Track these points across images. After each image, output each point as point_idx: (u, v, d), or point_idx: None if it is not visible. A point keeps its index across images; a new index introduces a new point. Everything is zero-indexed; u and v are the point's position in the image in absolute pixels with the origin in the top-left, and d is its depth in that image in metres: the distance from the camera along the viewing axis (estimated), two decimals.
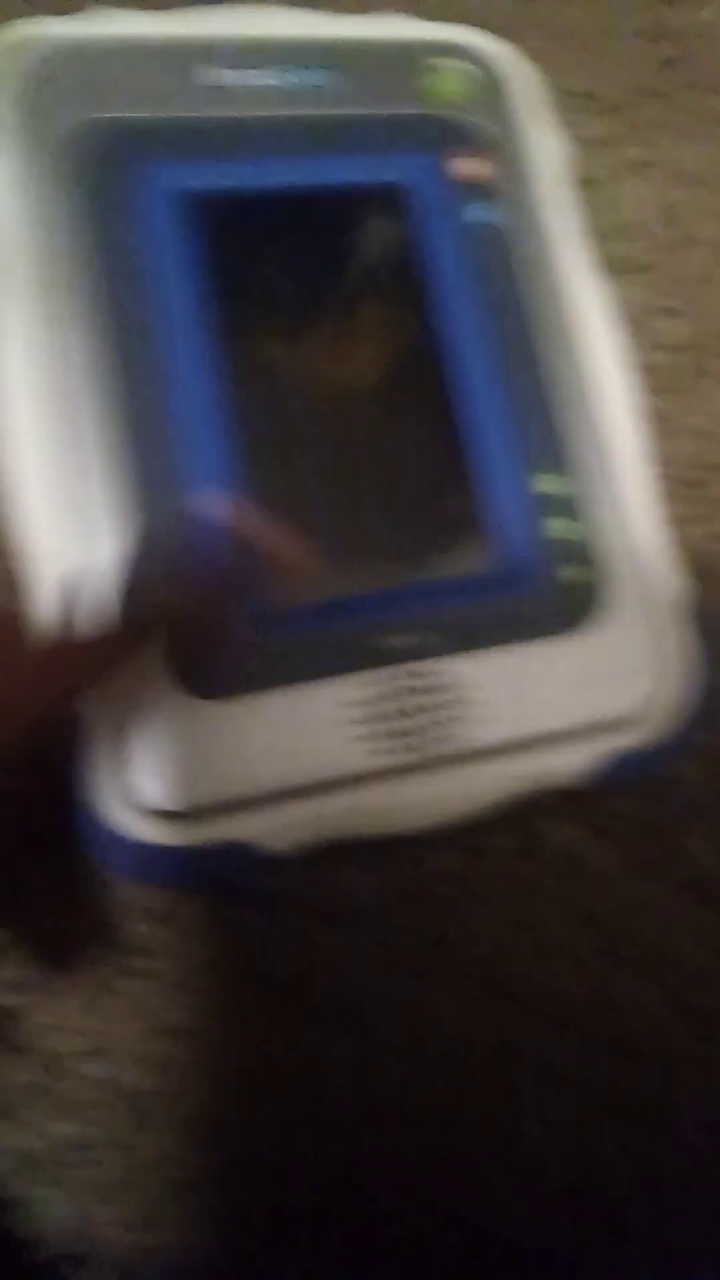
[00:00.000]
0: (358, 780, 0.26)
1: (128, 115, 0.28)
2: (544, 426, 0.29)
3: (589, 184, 0.34)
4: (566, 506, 0.29)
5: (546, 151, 0.31)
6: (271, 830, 0.25)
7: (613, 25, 0.37)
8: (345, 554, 0.27)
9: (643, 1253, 0.26)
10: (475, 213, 0.30)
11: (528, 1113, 0.27)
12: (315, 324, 0.29)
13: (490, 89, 0.31)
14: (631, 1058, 0.29)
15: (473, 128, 0.30)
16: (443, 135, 0.30)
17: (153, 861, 0.25)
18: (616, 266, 0.34)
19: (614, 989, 0.29)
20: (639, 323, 0.34)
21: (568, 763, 0.28)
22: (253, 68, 0.29)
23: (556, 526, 0.28)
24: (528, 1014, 0.28)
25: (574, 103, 0.34)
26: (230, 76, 0.29)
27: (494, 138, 0.31)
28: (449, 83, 0.30)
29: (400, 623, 0.27)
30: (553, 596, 0.28)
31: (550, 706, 0.27)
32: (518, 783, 0.27)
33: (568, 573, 0.28)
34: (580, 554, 0.28)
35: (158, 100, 0.28)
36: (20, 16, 0.28)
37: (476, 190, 0.30)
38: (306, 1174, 0.25)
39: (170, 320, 0.27)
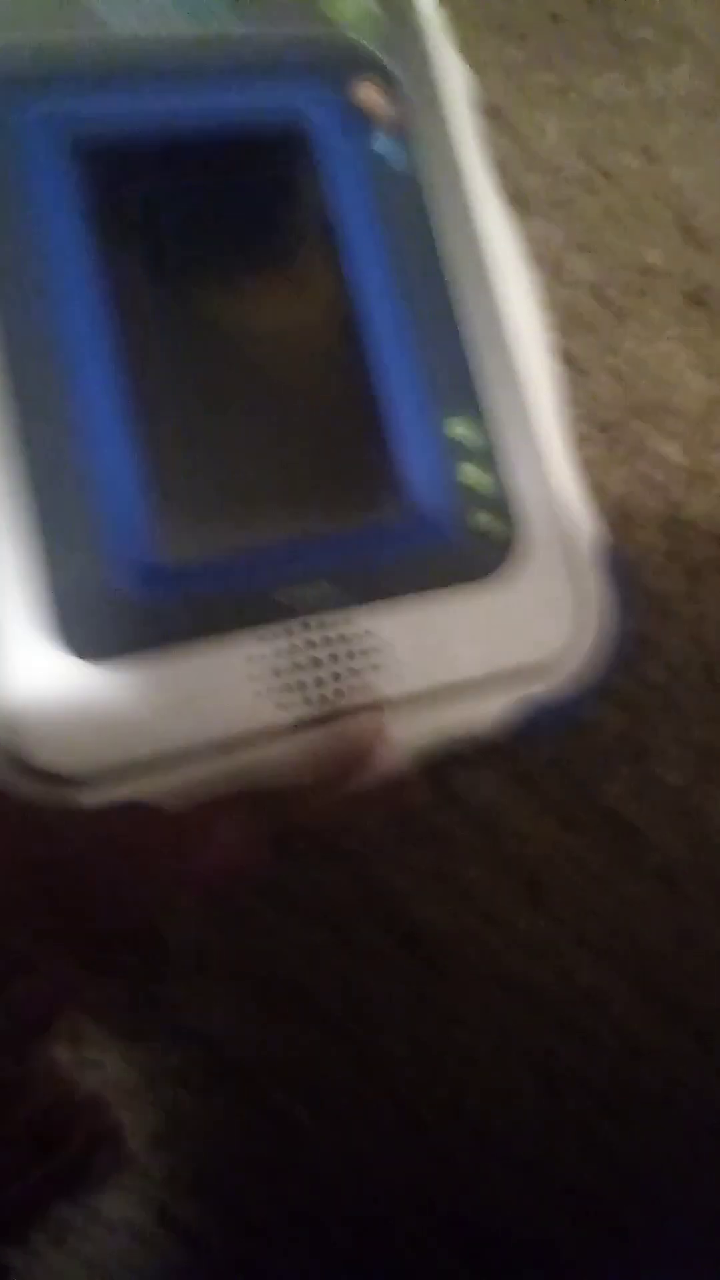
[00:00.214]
0: (265, 736, 0.25)
1: (10, 49, 0.26)
2: (456, 370, 0.28)
3: (497, 113, 0.33)
4: (480, 452, 0.28)
5: (453, 80, 0.30)
6: (175, 791, 0.24)
7: None
8: (248, 504, 0.26)
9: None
10: (381, 145, 0.29)
11: (439, 1057, 0.27)
12: (212, 267, 0.27)
13: (391, 12, 0.29)
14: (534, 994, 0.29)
15: (374, 54, 0.29)
16: (343, 60, 0.29)
17: None
18: (530, 202, 0.33)
19: (531, 934, 0.29)
20: (555, 261, 0.33)
21: (483, 713, 0.27)
22: None
23: (469, 473, 0.28)
24: (434, 962, 0.28)
25: (483, 31, 0.33)
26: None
27: (397, 64, 0.29)
28: (348, 4, 0.29)
29: (306, 574, 0.26)
30: (465, 545, 0.27)
31: (464, 657, 0.27)
32: (432, 735, 0.27)
33: (481, 520, 0.27)
34: (494, 501, 0.28)
35: (22, 22, 0.26)
36: None
37: (381, 121, 0.29)
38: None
39: (49, 272, 0.25)
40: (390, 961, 0.28)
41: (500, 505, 0.28)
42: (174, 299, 0.27)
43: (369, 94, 0.29)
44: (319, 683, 0.25)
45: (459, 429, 0.28)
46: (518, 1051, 0.28)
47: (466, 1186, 0.26)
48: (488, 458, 0.28)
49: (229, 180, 0.28)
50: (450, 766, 0.28)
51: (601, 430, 0.32)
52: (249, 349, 0.27)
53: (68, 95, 0.26)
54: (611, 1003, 0.28)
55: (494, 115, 0.33)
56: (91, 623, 0.24)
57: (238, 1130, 0.26)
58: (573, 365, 0.32)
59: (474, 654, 0.27)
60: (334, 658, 0.26)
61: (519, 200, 0.33)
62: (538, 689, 0.27)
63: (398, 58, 0.29)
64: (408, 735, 0.26)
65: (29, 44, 0.26)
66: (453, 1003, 0.28)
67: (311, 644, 0.26)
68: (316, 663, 0.25)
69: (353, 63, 0.29)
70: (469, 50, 0.32)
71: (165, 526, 0.25)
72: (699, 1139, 0.28)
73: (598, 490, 0.30)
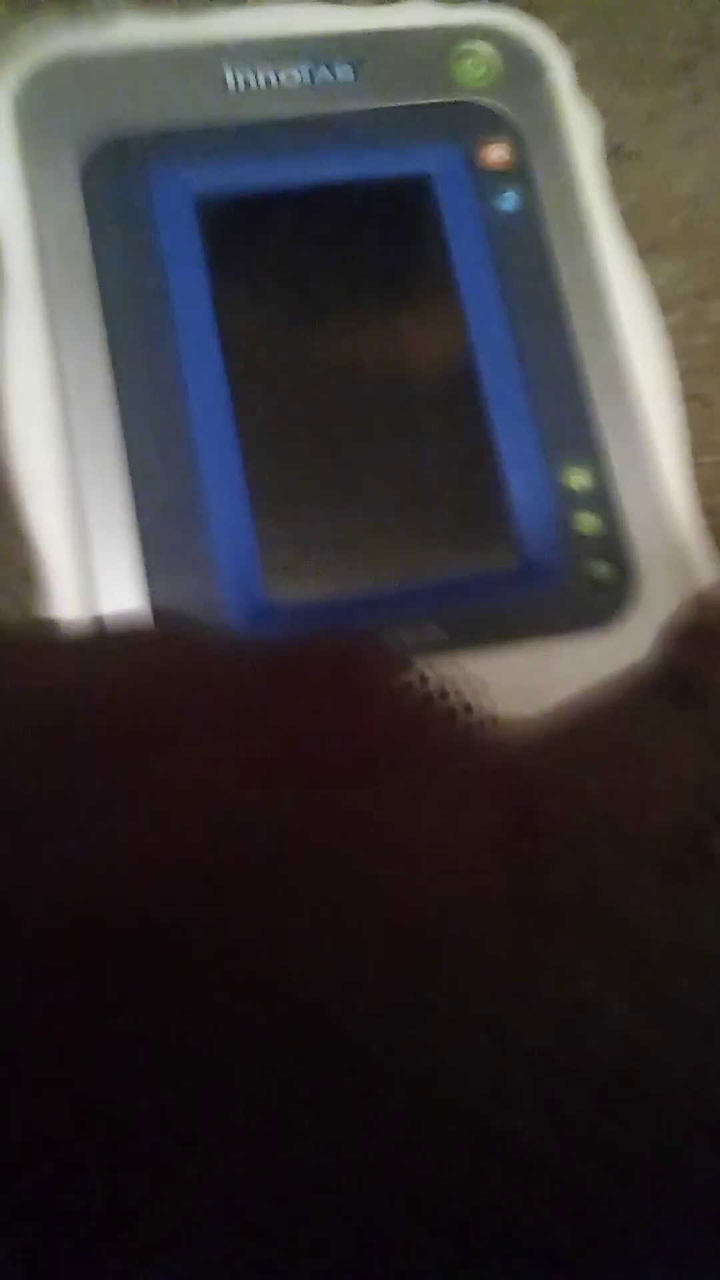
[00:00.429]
0: None
1: (145, 123, 0.28)
2: (574, 418, 0.28)
3: (635, 158, 0.33)
4: (596, 500, 0.28)
5: (581, 131, 0.30)
6: None
7: None
8: (358, 546, 0.27)
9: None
10: (506, 200, 0.29)
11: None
12: (331, 316, 0.29)
13: (519, 72, 0.30)
14: None
15: (502, 113, 0.30)
16: (471, 122, 0.30)
17: None
18: (663, 246, 0.32)
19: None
20: (688, 304, 0.32)
21: None
22: (276, 67, 0.29)
23: (584, 521, 0.28)
24: None
25: (614, 76, 0.33)
26: (252, 77, 0.29)
27: (524, 122, 0.30)
28: (475, 68, 0.30)
29: (415, 617, 0.27)
30: (578, 593, 0.27)
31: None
32: None
33: (595, 568, 0.27)
34: (609, 549, 0.27)
35: (176, 105, 0.29)
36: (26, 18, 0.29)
37: (507, 177, 0.29)
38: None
39: (172, 321, 0.27)
40: None
41: (616, 554, 0.27)
42: (290, 348, 0.28)
43: (495, 152, 0.29)
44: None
45: (575, 477, 0.28)
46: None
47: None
48: (604, 506, 0.28)
49: (351, 237, 0.29)
50: None
51: None
52: (363, 394, 0.28)
53: (197, 161, 0.28)
54: None
55: (631, 159, 0.33)
56: None
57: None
58: (710, 408, 0.31)
59: None
60: (443, 700, 0.26)
61: (658, 244, 0.33)
62: None
63: (526, 115, 0.30)
64: None
65: (183, 125, 0.29)
66: None
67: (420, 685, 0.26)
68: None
69: (480, 124, 0.30)
70: (605, 97, 0.33)
71: (275, 566, 0.27)
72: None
73: None
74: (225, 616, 0.26)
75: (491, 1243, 0.11)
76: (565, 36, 0.31)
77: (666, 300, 0.32)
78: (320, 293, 0.29)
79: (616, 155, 0.33)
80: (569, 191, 0.29)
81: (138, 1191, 0.10)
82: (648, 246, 0.32)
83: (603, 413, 0.28)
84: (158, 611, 0.25)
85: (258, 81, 0.29)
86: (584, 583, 0.27)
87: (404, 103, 0.29)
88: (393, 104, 0.29)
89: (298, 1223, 0.11)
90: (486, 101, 0.30)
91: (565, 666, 0.27)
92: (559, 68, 0.30)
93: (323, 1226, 0.11)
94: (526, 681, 0.26)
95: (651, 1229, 0.12)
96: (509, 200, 0.29)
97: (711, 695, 0.16)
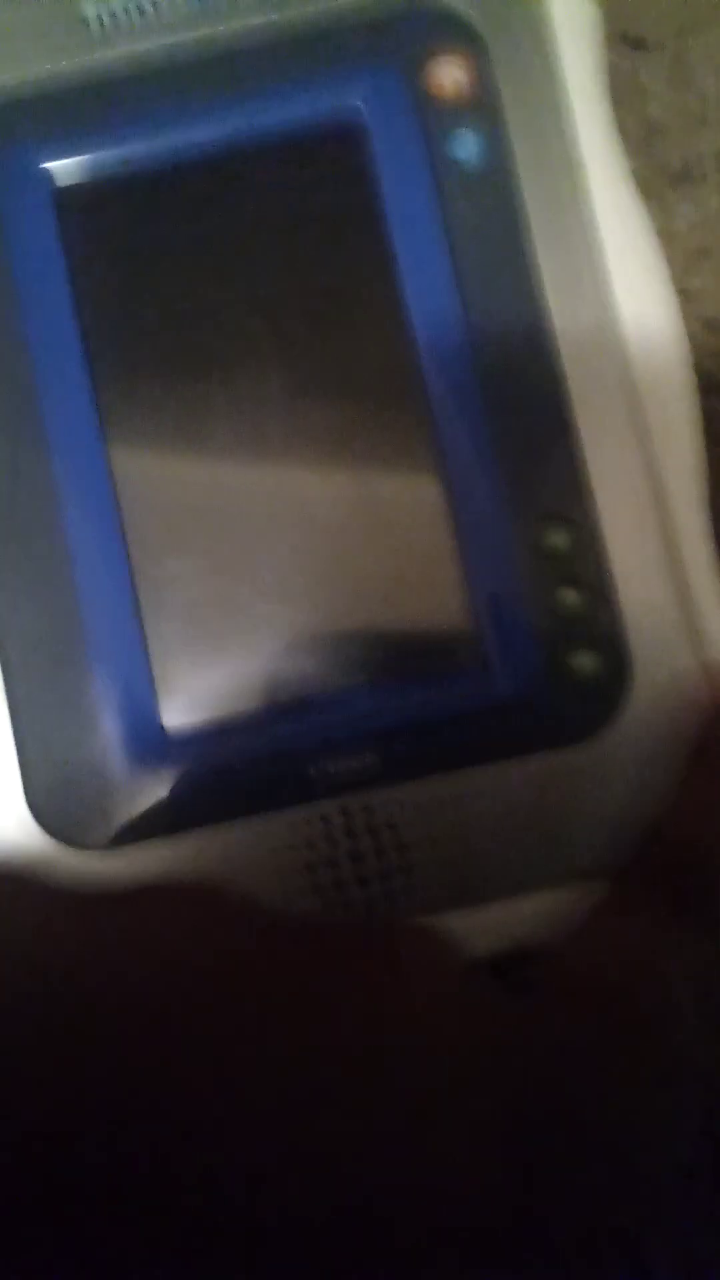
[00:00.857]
0: None
1: None
2: (556, 455, 0.21)
3: (651, 48, 0.24)
4: (584, 570, 0.21)
5: (574, 20, 0.21)
6: None
7: None
8: (271, 652, 0.21)
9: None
10: (461, 144, 0.21)
11: None
12: (242, 335, 0.22)
13: None
14: None
15: (459, 12, 0.21)
16: (415, 31, 0.21)
17: None
18: (705, 174, 0.24)
19: None
20: (715, 259, 0.24)
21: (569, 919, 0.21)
22: None
23: (568, 599, 0.21)
24: None
25: None
26: (118, 8, 0.21)
27: (490, 26, 0.21)
28: None
29: (346, 744, 0.21)
30: (561, 696, 0.21)
31: (557, 844, 0.21)
32: (511, 941, 0.21)
33: (582, 662, 0.21)
34: (600, 635, 0.21)
35: (20, 55, 0.21)
36: None
37: (466, 109, 0.21)
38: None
39: (55, 355, 0.21)
40: None
41: (609, 641, 0.21)
42: (179, 383, 0.21)
43: (450, 74, 0.21)
44: (362, 882, 0.21)
45: (555, 538, 0.21)
46: None
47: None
48: (595, 577, 0.21)
49: (252, 217, 0.22)
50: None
51: None
52: (276, 437, 0.22)
53: (50, 129, 0.21)
54: None
55: (651, 49, 0.24)
56: (85, 805, 0.21)
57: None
58: None
59: (571, 841, 0.21)
60: (380, 851, 0.21)
61: (687, 170, 0.24)
62: None
63: (492, 13, 0.21)
64: (477, 944, 0.21)
65: (12, 72, 0.21)
66: None
67: (352, 833, 0.21)
68: (357, 857, 0.21)
69: (427, 32, 0.21)
70: None
71: (171, 687, 0.21)
72: None
73: None
74: (113, 754, 0.21)
75: None
76: None
77: (691, 254, 0.24)
78: (216, 303, 0.22)
79: (631, 45, 0.24)
80: (552, 122, 0.21)
81: None
82: (674, 179, 0.24)
83: (590, 448, 0.21)
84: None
85: (126, 12, 0.21)
86: (569, 683, 0.21)
87: (320, 13, 0.21)
88: (305, 18, 0.21)
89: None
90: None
91: (544, 796, 0.21)
92: None
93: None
94: (494, 818, 0.21)
95: None
96: (467, 144, 0.21)
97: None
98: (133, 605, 0.21)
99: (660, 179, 0.24)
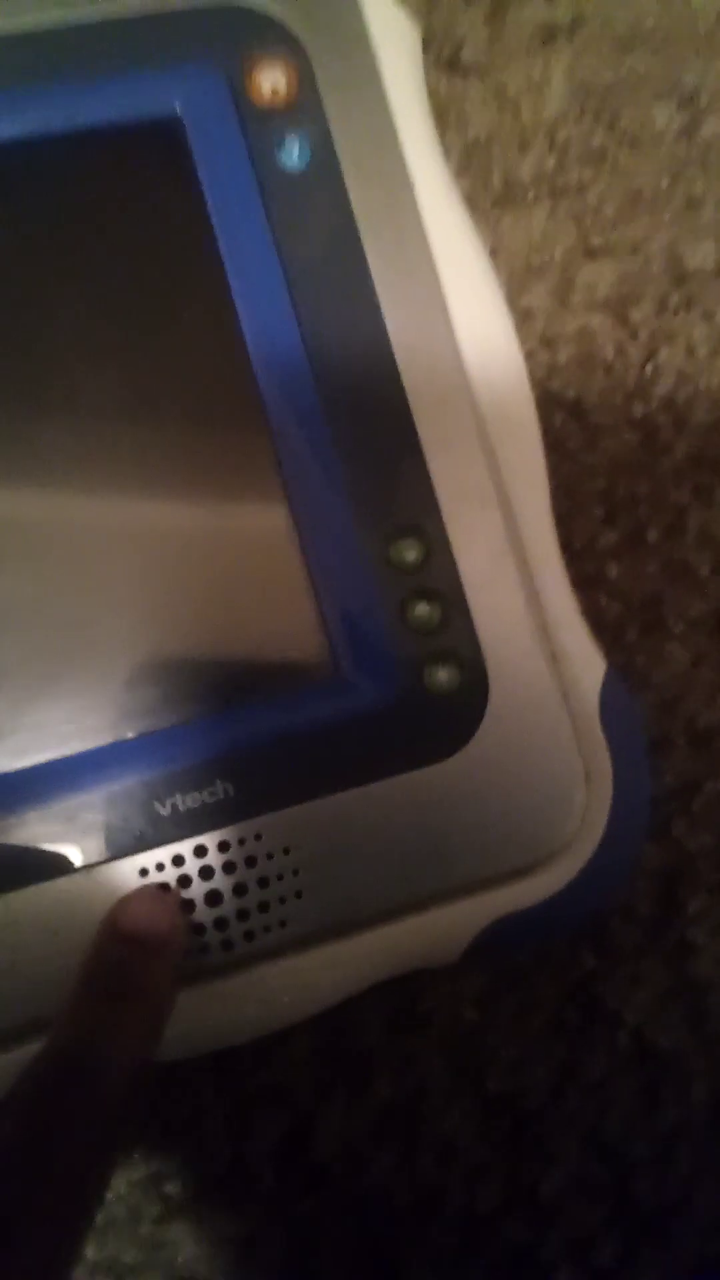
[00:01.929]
0: None
1: None
2: (400, 465, 0.20)
3: (474, 73, 0.24)
4: (436, 582, 0.20)
5: (392, 38, 0.21)
6: None
7: None
8: (122, 683, 0.19)
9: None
10: (287, 151, 0.21)
11: None
12: (60, 343, 0.20)
13: None
14: None
15: (277, 18, 0.21)
16: (235, 34, 0.21)
17: None
18: (525, 193, 0.24)
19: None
20: (561, 272, 0.24)
21: (449, 936, 0.20)
22: None
23: (421, 613, 0.20)
24: None
25: None
26: None
27: (310, 31, 0.21)
28: None
29: (194, 776, 0.19)
30: (420, 712, 0.20)
31: (422, 869, 0.20)
32: (377, 971, 0.20)
33: (440, 677, 0.20)
34: (458, 648, 0.20)
35: None
36: None
37: (288, 116, 0.21)
38: None
39: None
40: None
41: (467, 654, 0.20)
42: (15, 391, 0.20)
43: (270, 78, 0.21)
44: (220, 925, 0.19)
45: (405, 552, 0.20)
46: None
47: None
48: (448, 589, 0.20)
49: (67, 224, 0.20)
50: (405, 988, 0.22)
51: (600, 505, 0.23)
52: (98, 444, 0.20)
53: None
54: None
55: (470, 75, 0.24)
56: None
57: None
58: (585, 420, 0.24)
59: (436, 865, 0.20)
60: (239, 889, 0.19)
61: (509, 192, 0.24)
62: (521, 899, 0.20)
63: (313, 19, 0.21)
64: (343, 976, 0.20)
65: None
66: None
67: (207, 874, 0.19)
68: (214, 899, 0.19)
69: (249, 36, 0.21)
70: None
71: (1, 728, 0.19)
72: None
73: (602, 609, 0.22)
74: None
75: None
76: None
77: (520, 273, 0.24)
78: (27, 314, 0.20)
79: (451, 70, 0.25)
80: (377, 133, 0.21)
81: None
82: (498, 199, 0.24)
83: (433, 455, 0.20)
84: None
85: None
86: (427, 698, 0.20)
87: (136, 11, 0.21)
88: (123, 13, 0.20)
89: None
90: (252, 5, 0.21)
91: (406, 817, 0.20)
92: None
93: None
94: (355, 846, 0.19)
95: None
96: (293, 151, 0.21)
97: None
98: None
99: (484, 199, 0.24)
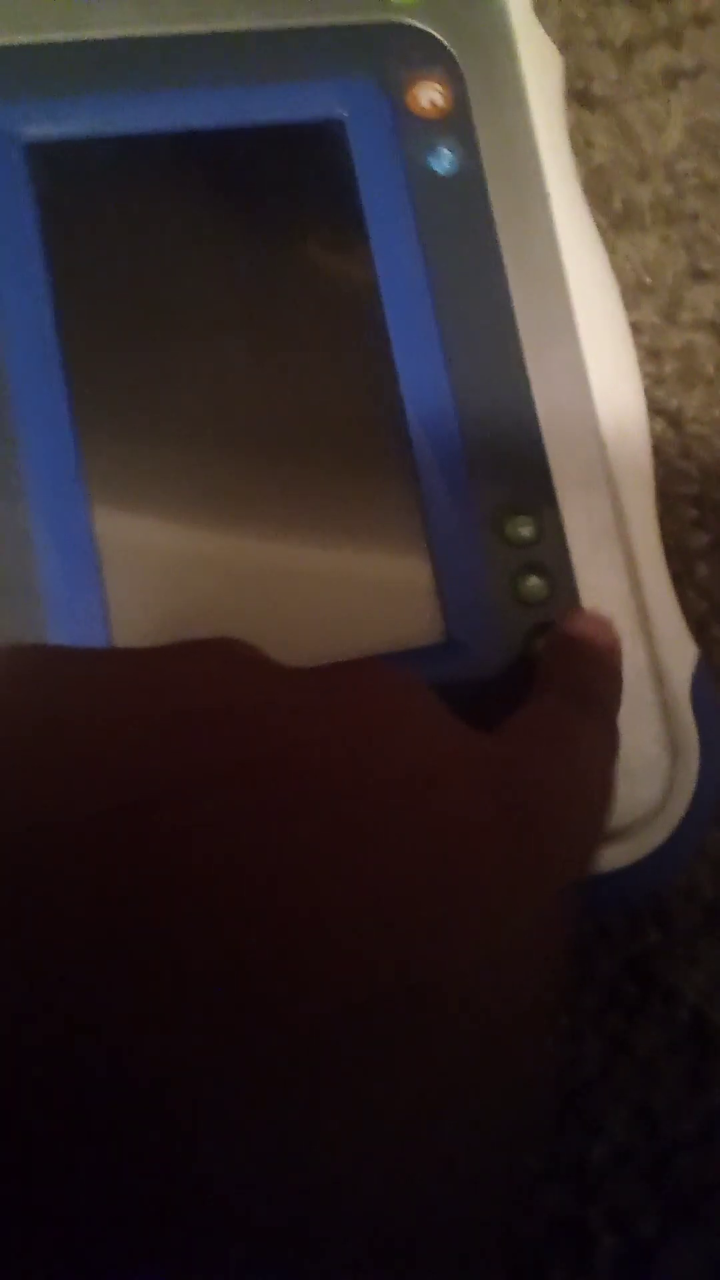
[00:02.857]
0: None
1: None
2: (521, 450, 0.22)
3: (601, 106, 0.26)
4: (547, 559, 0.22)
5: (537, 69, 0.23)
6: None
7: None
8: (253, 630, 0.21)
9: None
10: (440, 158, 0.23)
11: None
12: (218, 324, 0.22)
13: None
14: None
15: (437, 40, 0.23)
16: (397, 52, 0.23)
17: None
18: (642, 218, 0.26)
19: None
20: (671, 293, 0.26)
21: None
22: None
23: (532, 586, 0.22)
24: None
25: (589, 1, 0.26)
26: None
27: (465, 53, 0.23)
28: None
29: None
30: (522, 678, 0.21)
31: None
32: None
33: (544, 646, 0.22)
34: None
35: (8, 22, 0.21)
36: None
37: (442, 127, 0.23)
38: None
39: (21, 319, 0.21)
40: None
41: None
42: (154, 369, 0.21)
43: (428, 92, 0.23)
44: None
45: (521, 528, 0.22)
46: None
47: None
48: (557, 566, 0.22)
49: (233, 208, 0.22)
50: None
51: (705, 512, 0.25)
52: (248, 426, 0.22)
53: (29, 97, 0.21)
54: None
55: (597, 108, 0.26)
56: None
57: None
58: (683, 430, 0.25)
59: None
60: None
61: (628, 216, 0.26)
62: (617, 860, 0.22)
63: (468, 43, 0.23)
64: None
65: (17, 48, 0.21)
66: None
67: None
68: None
69: (409, 54, 0.23)
70: (567, 25, 0.26)
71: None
72: None
73: (699, 598, 0.24)
74: None
75: None
76: None
77: (632, 290, 0.26)
78: (190, 294, 0.22)
79: (580, 102, 0.27)
80: (520, 149, 0.23)
81: None
82: (616, 221, 0.26)
83: (558, 444, 0.22)
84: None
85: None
86: (525, 663, 0.21)
87: (308, 22, 0.23)
88: (294, 23, 0.22)
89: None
90: (417, 23, 0.23)
91: None
92: None
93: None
94: None
95: None
96: (444, 158, 0.23)
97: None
98: (99, 582, 0.20)
99: (604, 220, 0.26)
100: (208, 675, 0.14)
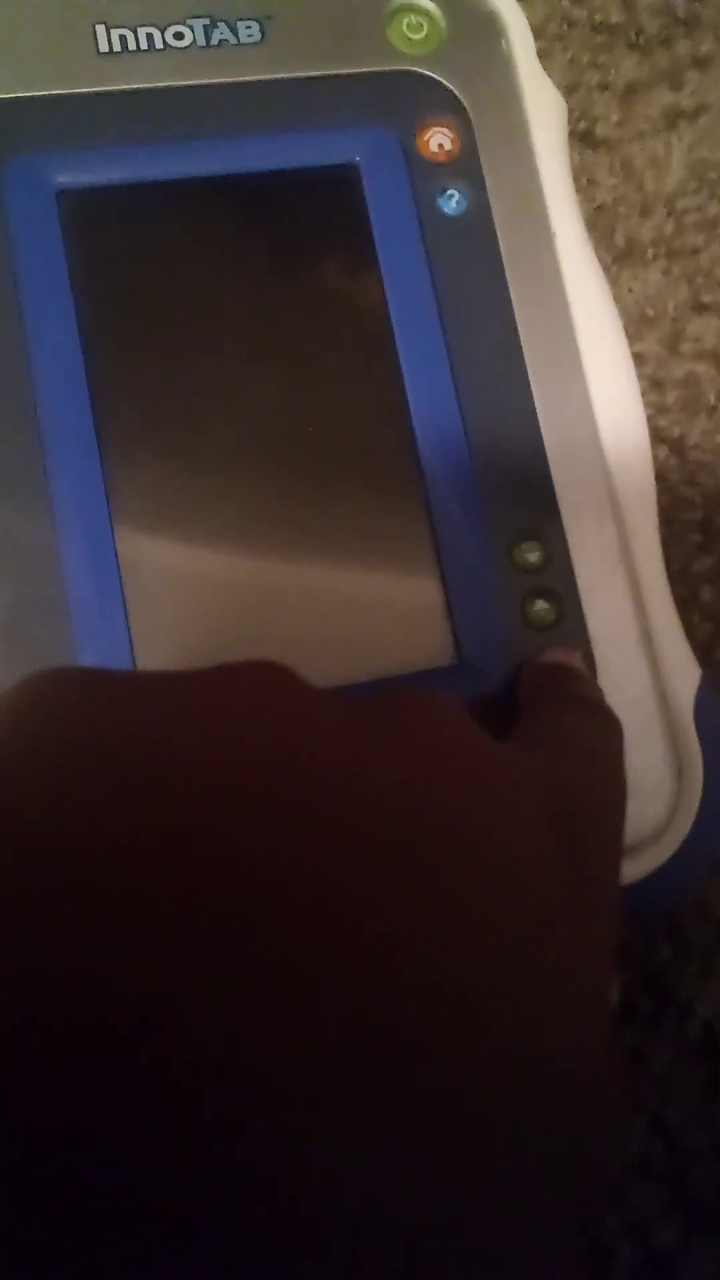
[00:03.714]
0: None
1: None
2: (529, 479, 0.23)
3: (604, 146, 0.27)
4: (553, 583, 0.22)
5: (542, 113, 0.24)
6: None
7: None
8: (269, 654, 0.22)
9: None
10: (449, 199, 0.24)
11: None
12: (237, 359, 0.23)
13: (468, 36, 0.24)
14: None
15: (446, 88, 0.24)
16: (408, 99, 0.24)
17: None
18: (644, 253, 0.27)
19: None
20: (673, 325, 0.27)
21: None
22: (160, 22, 0.23)
23: (539, 610, 0.22)
24: None
25: (583, 45, 0.27)
26: (129, 36, 0.23)
27: (473, 100, 0.24)
28: (414, 30, 0.24)
29: None
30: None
31: None
32: None
33: None
34: (569, 643, 0.22)
35: (30, 73, 0.23)
36: None
37: (451, 170, 0.24)
38: None
39: (51, 354, 0.22)
40: None
41: (578, 649, 0.22)
42: (178, 402, 0.22)
43: (439, 137, 0.24)
44: None
45: (529, 554, 0.23)
46: None
47: None
48: (565, 590, 0.22)
49: (251, 249, 0.23)
50: None
51: (708, 537, 0.26)
52: (264, 454, 0.23)
53: (58, 146, 0.22)
54: None
55: (600, 148, 0.27)
56: None
57: None
58: (686, 457, 0.26)
59: None
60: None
61: (630, 251, 0.27)
62: (624, 876, 0.22)
63: (475, 90, 0.24)
64: None
65: (22, 90, 0.23)
66: None
67: None
68: None
69: (420, 101, 0.24)
70: (571, 70, 0.27)
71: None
72: None
73: (702, 618, 0.24)
74: None
75: None
76: None
77: (635, 322, 0.27)
78: (212, 330, 0.23)
79: (584, 142, 0.28)
80: (526, 190, 0.24)
81: None
82: (619, 256, 0.27)
83: (564, 472, 0.23)
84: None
85: (136, 41, 0.23)
86: None
87: (323, 71, 0.24)
88: (309, 73, 0.24)
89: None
90: (427, 72, 0.24)
91: None
92: (517, 31, 0.24)
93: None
94: None
95: None
96: (453, 200, 0.24)
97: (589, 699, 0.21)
98: (121, 599, 0.21)
99: (607, 255, 0.27)
100: (252, 700, 0.14)
